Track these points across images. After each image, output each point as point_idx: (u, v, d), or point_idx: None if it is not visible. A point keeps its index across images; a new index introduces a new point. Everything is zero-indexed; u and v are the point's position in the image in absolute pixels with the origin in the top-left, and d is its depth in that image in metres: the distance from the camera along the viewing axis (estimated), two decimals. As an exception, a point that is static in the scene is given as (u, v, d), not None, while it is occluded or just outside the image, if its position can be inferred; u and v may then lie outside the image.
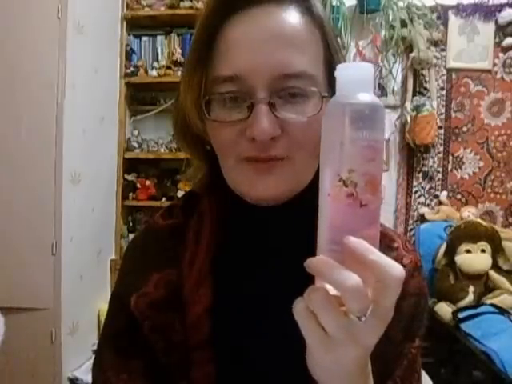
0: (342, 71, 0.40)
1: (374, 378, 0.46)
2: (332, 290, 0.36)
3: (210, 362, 0.52)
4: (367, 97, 0.38)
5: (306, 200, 0.53)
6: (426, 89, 2.60)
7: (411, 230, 2.65)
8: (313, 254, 0.38)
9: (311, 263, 0.37)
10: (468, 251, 2.25)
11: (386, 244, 0.57)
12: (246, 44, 0.48)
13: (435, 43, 2.59)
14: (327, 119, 0.39)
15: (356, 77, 0.38)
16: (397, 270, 0.36)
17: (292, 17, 0.49)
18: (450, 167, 2.66)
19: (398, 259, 0.56)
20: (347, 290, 0.34)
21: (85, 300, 2.36)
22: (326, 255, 0.37)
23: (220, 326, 0.53)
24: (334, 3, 2.46)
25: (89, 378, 2.10)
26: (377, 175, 0.37)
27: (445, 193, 2.64)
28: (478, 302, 2.18)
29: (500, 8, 2.55)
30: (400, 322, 0.54)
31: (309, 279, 0.38)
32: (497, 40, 2.58)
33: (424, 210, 2.63)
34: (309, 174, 0.52)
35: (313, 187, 0.52)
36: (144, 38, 2.75)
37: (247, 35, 0.48)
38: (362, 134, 0.37)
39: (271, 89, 0.47)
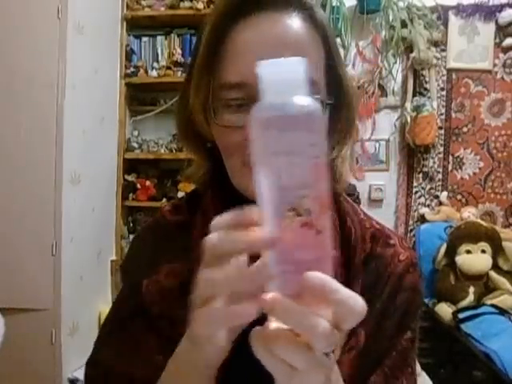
0: (265, 69, 0.32)
1: (366, 372, 0.45)
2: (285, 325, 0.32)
3: None
4: (302, 101, 0.31)
5: None
6: (426, 89, 2.60)
7: (411, 230, 2.65)
8: None
9: (268, 304, 0.32)
10: (468, 252, 2.25)
11: (383, 241, 0.59)
12: (252, 50, 0.49)
13: (435, 43, 2.59)
14: (257, 134, 0.31)
15: (284, 76, 0.31)
16: (358, 303, 0.33)
17: (295, 23, 0.50)
18: (450, 167, 2.66)
19: (396, 255, 0.58)
20: (318, 335, 0.32)
21: (85, 301, 2.35)
22: (280, 279, 0.32)
23: None
24: (333, 3, 2.47)
25: (89, 378, 2.09)
26: (326, 194, 0.32)
27: (445, 193, 2.64)
28: (478, 303, 2.18)
29: (500, 8, 2.55)
30: (394, 316, 0.55)
31: None
32: (497, 40, 2.58)
33: (424, 210, 2.63)
34: None
35: None
36: (144, 39, 2.75)
37: (253, 41, 0.49)
38: (303, 150, 0.31)
39: None
